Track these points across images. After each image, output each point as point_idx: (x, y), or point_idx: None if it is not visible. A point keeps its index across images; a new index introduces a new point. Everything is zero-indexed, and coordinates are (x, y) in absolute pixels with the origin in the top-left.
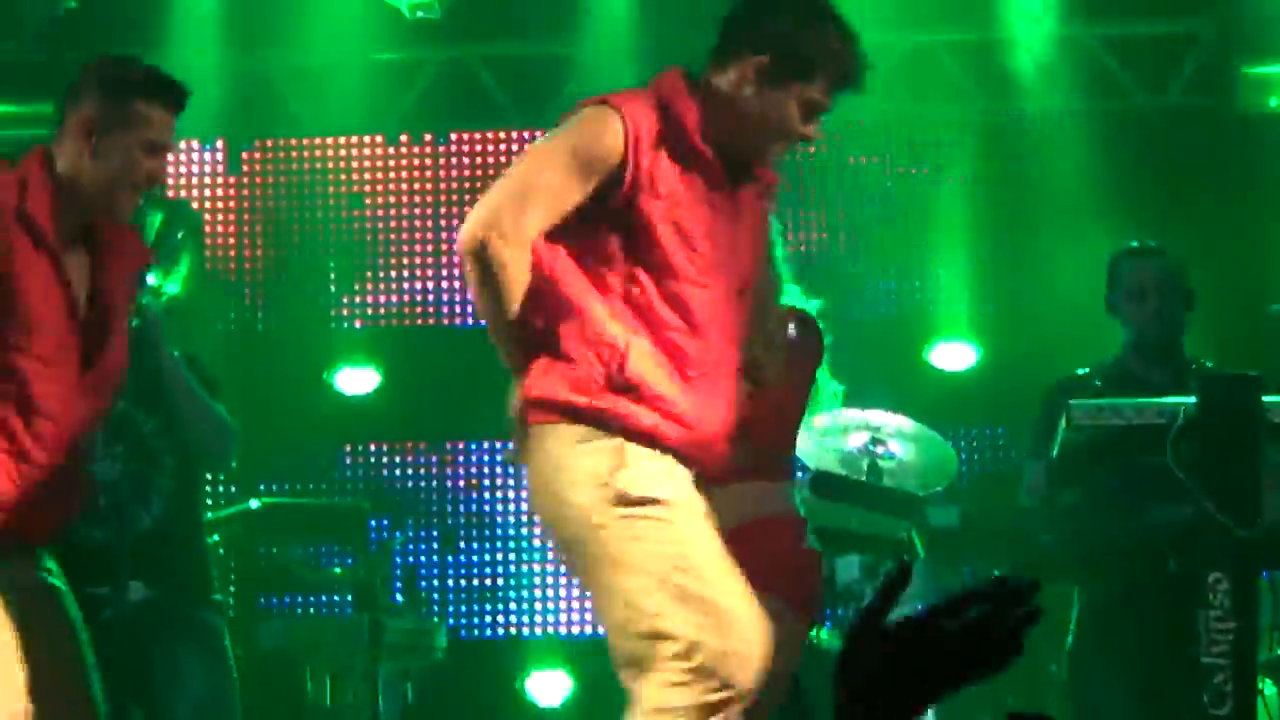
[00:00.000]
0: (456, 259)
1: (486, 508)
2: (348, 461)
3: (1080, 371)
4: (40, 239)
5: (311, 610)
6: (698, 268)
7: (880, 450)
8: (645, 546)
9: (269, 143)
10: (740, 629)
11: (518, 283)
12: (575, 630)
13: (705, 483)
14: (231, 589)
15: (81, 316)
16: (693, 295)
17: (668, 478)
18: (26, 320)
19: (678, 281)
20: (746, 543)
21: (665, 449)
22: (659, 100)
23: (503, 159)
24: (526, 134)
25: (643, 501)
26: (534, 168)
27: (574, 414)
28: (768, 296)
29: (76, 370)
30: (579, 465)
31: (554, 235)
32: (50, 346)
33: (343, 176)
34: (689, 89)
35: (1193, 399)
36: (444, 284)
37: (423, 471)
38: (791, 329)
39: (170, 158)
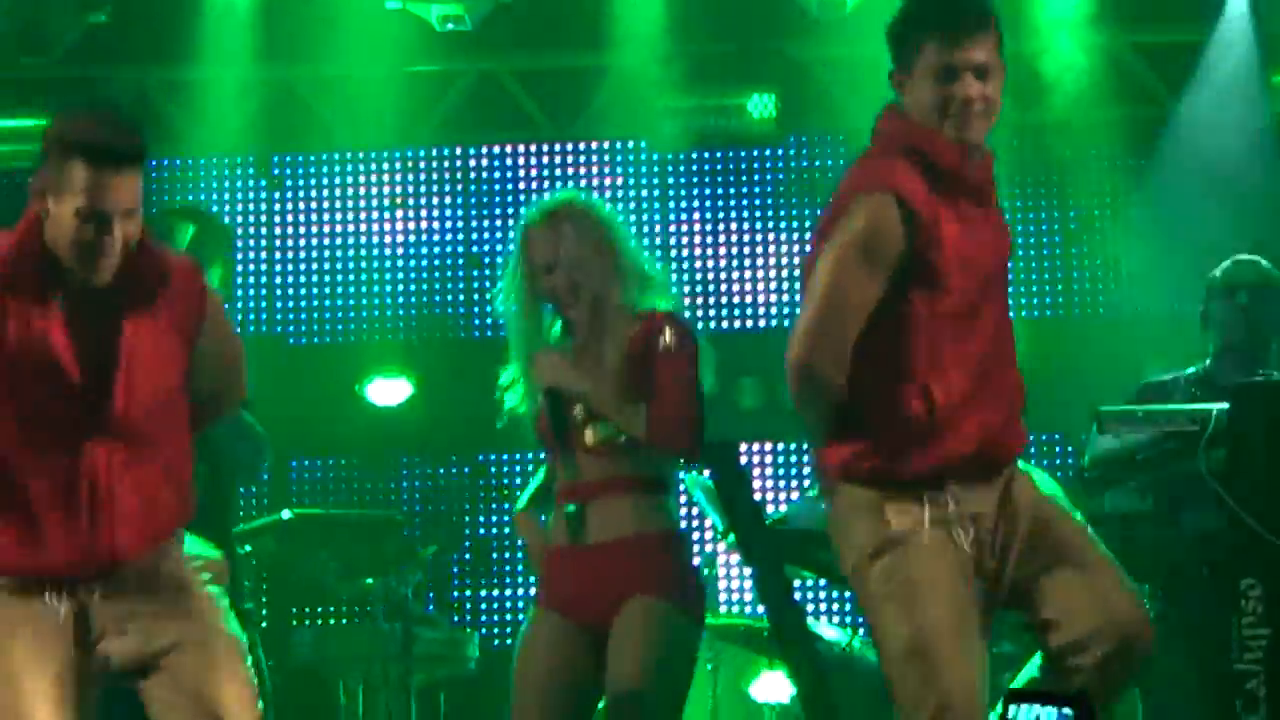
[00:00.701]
0: (489, 273)
1: None
2: (379, 473)
3: (1165, 376)
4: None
5: (344, 621)
6: (975, 291)
7: None
8: None
9: (300, 155)
10: None
11: (840, 396)
12: None
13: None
14: (264, 600)
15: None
16: (977, 322)
17: None
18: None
19: (964, 318)
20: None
21: None
22: (907, 149)
23: (533, 170)
24: (557, 146)
25: None
26: (837, 283)
27: None
28: None
29: (73, 420)
30: None
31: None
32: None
33: (373, 189)
34: (912, 123)
35: (1225, 405)
36: (475, 295)
37: (454, 482)
38: (668, 334)
39: (203, 171)
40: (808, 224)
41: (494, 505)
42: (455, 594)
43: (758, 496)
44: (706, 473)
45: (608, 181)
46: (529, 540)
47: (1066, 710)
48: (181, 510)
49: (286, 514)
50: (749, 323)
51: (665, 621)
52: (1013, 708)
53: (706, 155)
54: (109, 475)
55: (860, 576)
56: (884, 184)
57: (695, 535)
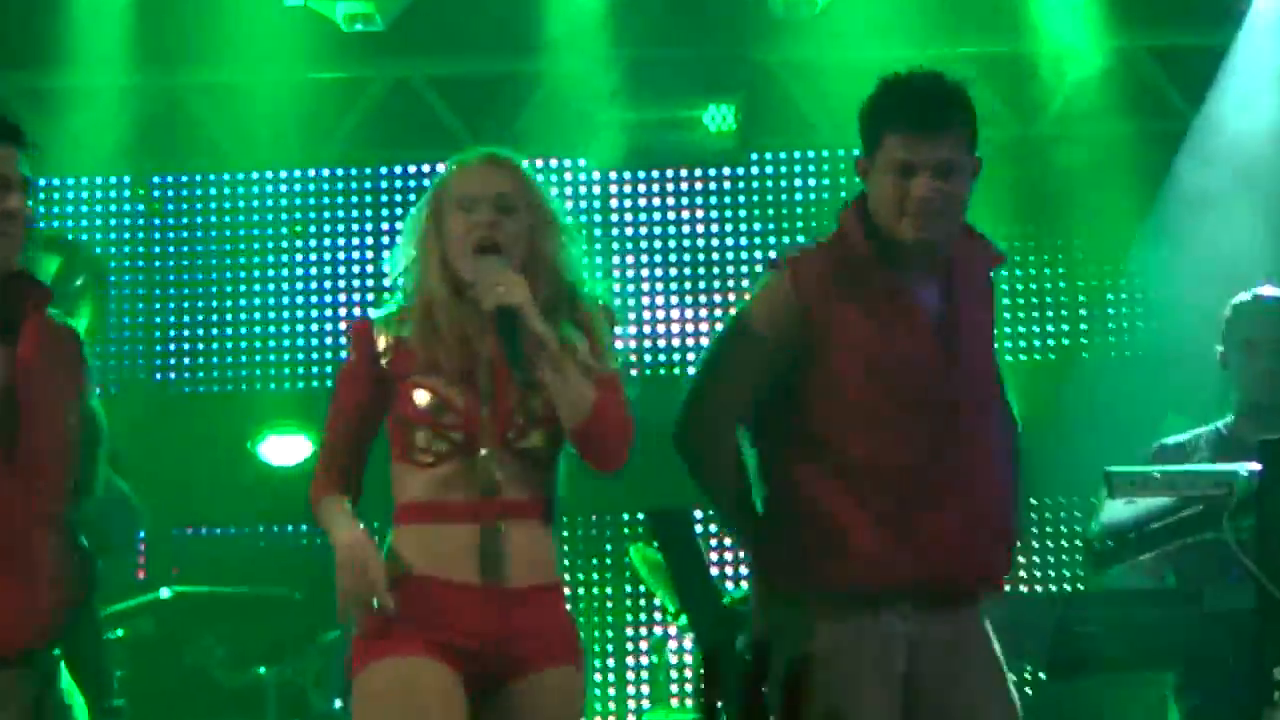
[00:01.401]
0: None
1: None
2: (275, 544)
3: (1184, 437)
4: None
5: (232, 716)
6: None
7: None
8: None
9: (185, 176)
10: None
11: (723, 478)
12: None
13: None
14: (137, 694)
15: None
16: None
17: None
18: None
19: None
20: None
21: None
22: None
23: None
24: None
25: None
26: (717, 352)
27: None
28: None
29: None
30: None
31: None
32: None
33: (269, 215)
34: (847, 213)
35: (1252, 467)
36: None
37: None
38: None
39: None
40: (771, 254)
41: None
42: None
43: (714, 571)
44: (654, 544)
45: None
46: (370, 570)
47: None
48: None
49: (165, 592)
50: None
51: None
52: None
53: (655, 175)
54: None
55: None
56: (786, 263)
57: (641, 616)
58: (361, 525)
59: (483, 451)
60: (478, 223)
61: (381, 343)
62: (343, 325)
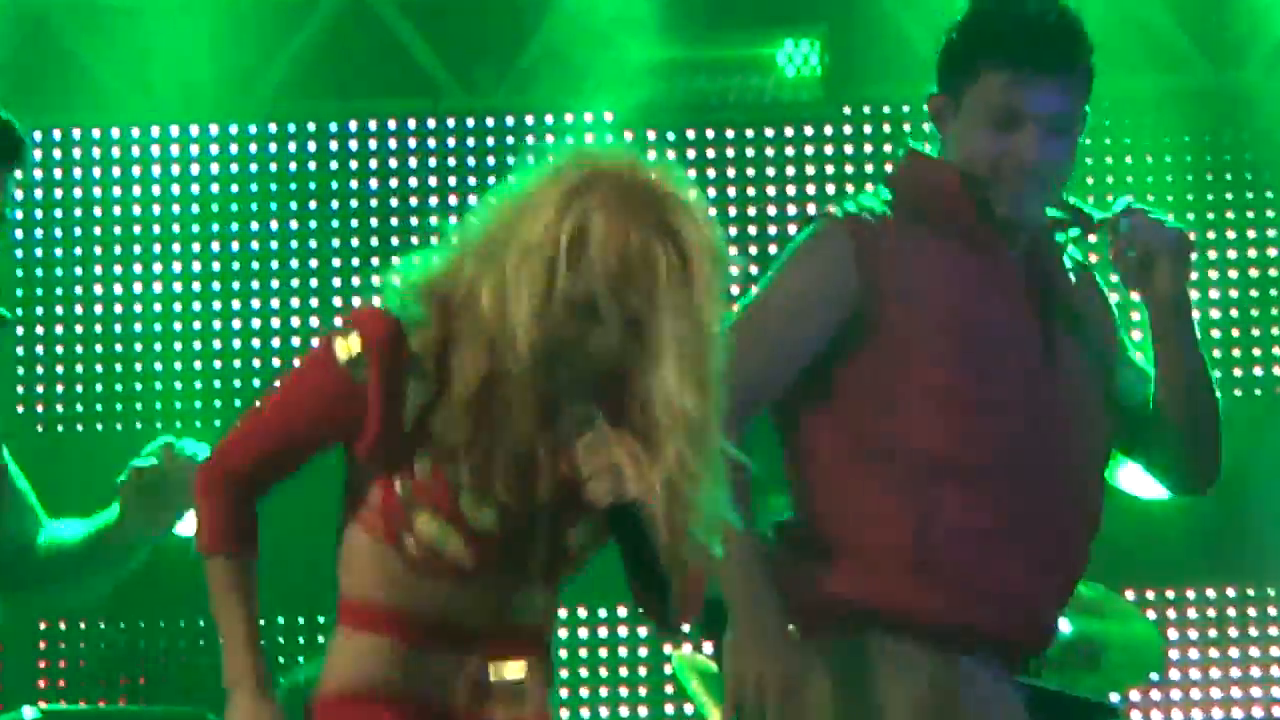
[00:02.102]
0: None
1: None
2: (181, 642)
3: None
4: None
5: None
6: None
7: None
8: None
9: (59, 132)
10: None
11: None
12: None
13: None
14: None
15: None
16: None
17: None
18: None
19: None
20: None
21: None
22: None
23: (432, 159)
24: (469, 121)
25: None
26: None
27: None
28: None
29: None
30: None
31: None
32: None
33: (177, 184)
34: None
35: None
36: None
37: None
38: None
39: None
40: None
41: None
42: None
43: None
44: (705, 649)
45: None
46: None
47: None
48: None
49: (29, 713)
50: None
51: None
52: None
53: (709, 136)
54: None
55: None
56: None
57: None
58: (262, 672)
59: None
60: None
61: (410, 386)
62: (271, 340)
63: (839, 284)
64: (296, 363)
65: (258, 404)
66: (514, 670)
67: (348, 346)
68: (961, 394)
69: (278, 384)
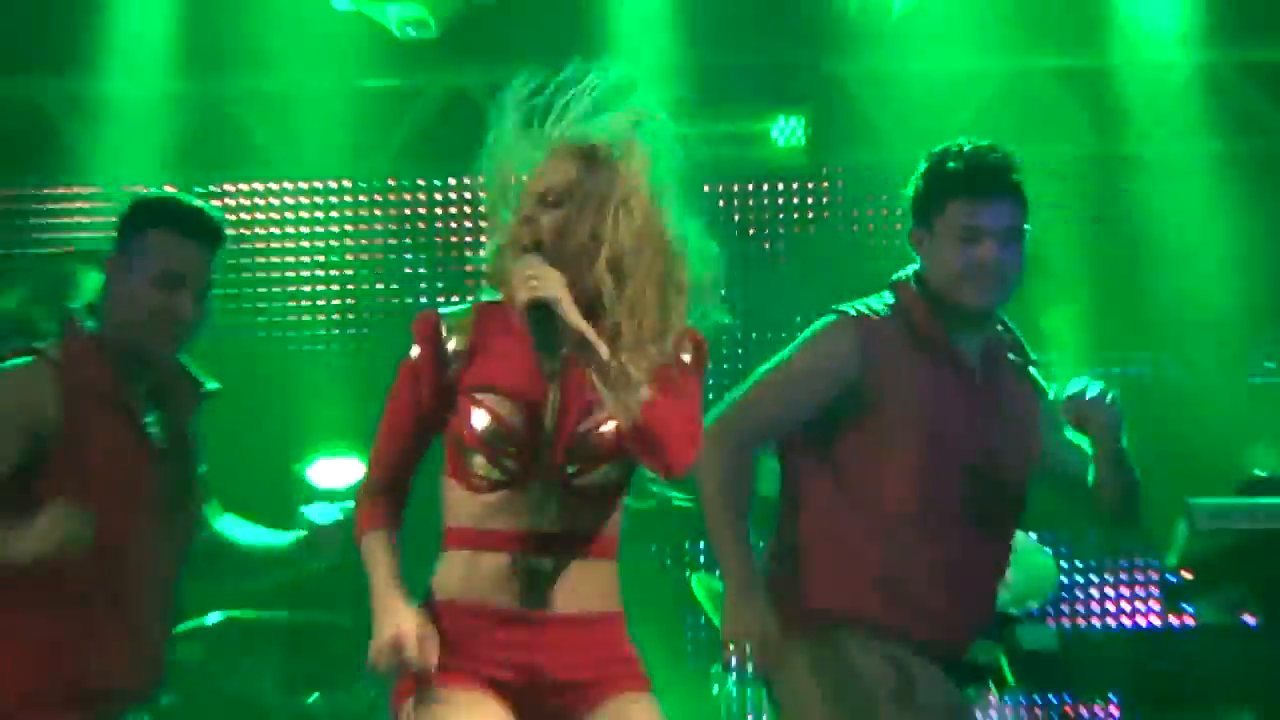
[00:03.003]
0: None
1: None
2: (322, 569)
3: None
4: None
5: None
6: None
7: None
8: None
9: (231, 187)
10: None
11: None
12: None
13: None
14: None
15: None
16: None
17: None
18: None
19: None
20: None
21: None
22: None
23: None
24: None
25: None
26: None
27: None
28: None
29: None
30: None
31: None
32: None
33: (321, 228)
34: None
35: None
36: None
37: (413, 580)
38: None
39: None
40: (840, 273)
41: None
42: None
43: None
44: (716, 573)
45: None
46: (409, 652)
47: None
48: None
49: (214, 617)
50: None
51: None
52: None
53: (720, 190)
54: None
55: None
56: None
57: (703, 648)
58: (400, 589)
59: (535, 484)
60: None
61: (451, 344)
62: (395, 341)
63: (843, 367)
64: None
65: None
66: (545, 565)
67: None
68: (924, 470)
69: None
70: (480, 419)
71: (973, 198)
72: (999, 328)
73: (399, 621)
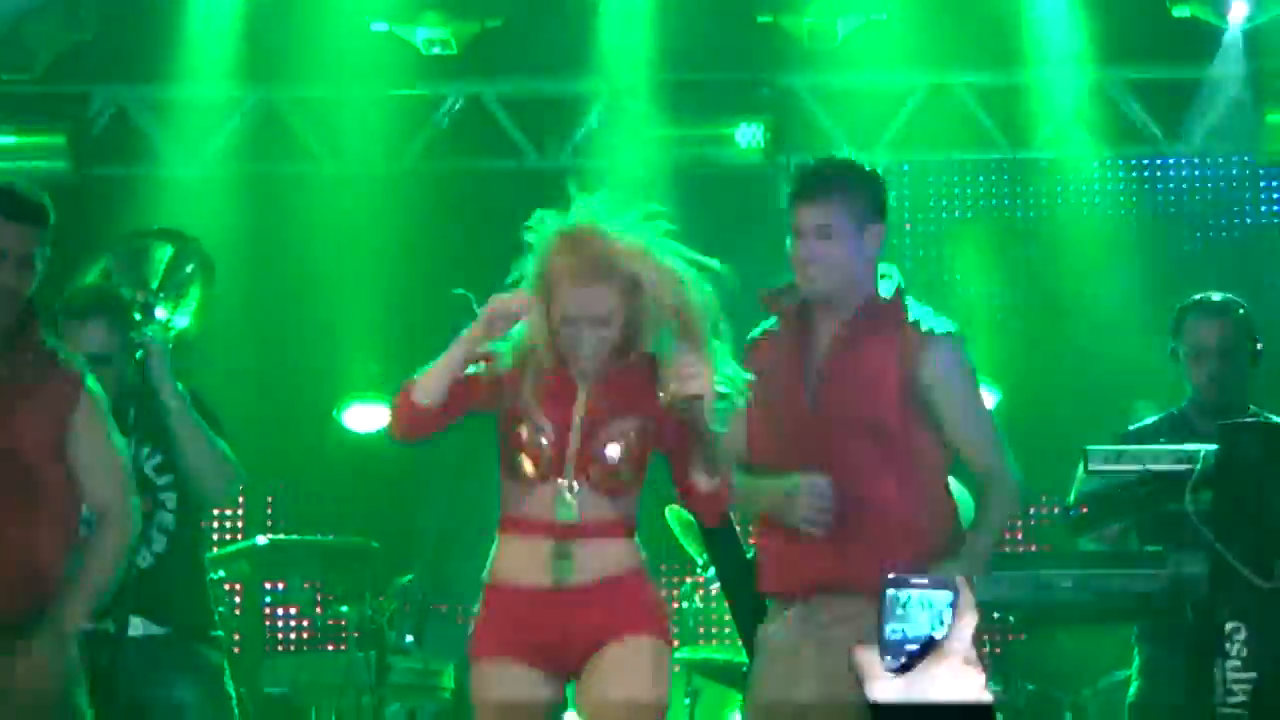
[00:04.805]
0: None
1: None
2: (356, 499)
3: (1150, 420)
4: None
5: (318, 649)
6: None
7: None
8: None
9: (281, 176)
10: None
11: None
12: None
13: None
14: (237, 626)
15: None
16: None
17: None
18: None
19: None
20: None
21: None
22: None
23: (520, 197)
24: (541, 175)
25: None
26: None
27: None
28: None
29: None
30: None
31: None
32: None
33: (356, 212)
34: None
35: (1212, 447)
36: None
37: (432, 510)
38: None
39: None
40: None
41: (473, 534)
42: (431, 623)
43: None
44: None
45: None
46: (510, 314)
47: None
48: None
49: (261, 540)
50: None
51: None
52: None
53: (691, 186)
54: None
55: None
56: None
57: (675, 566)
58: None
59: (561, 482)
60: (576, 340)
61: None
62: (417, 311)
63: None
64: None
65: None
66: (570, 548)
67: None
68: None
69: None
70: (523, 429)
71: (793, 200)
72: (878, 311)
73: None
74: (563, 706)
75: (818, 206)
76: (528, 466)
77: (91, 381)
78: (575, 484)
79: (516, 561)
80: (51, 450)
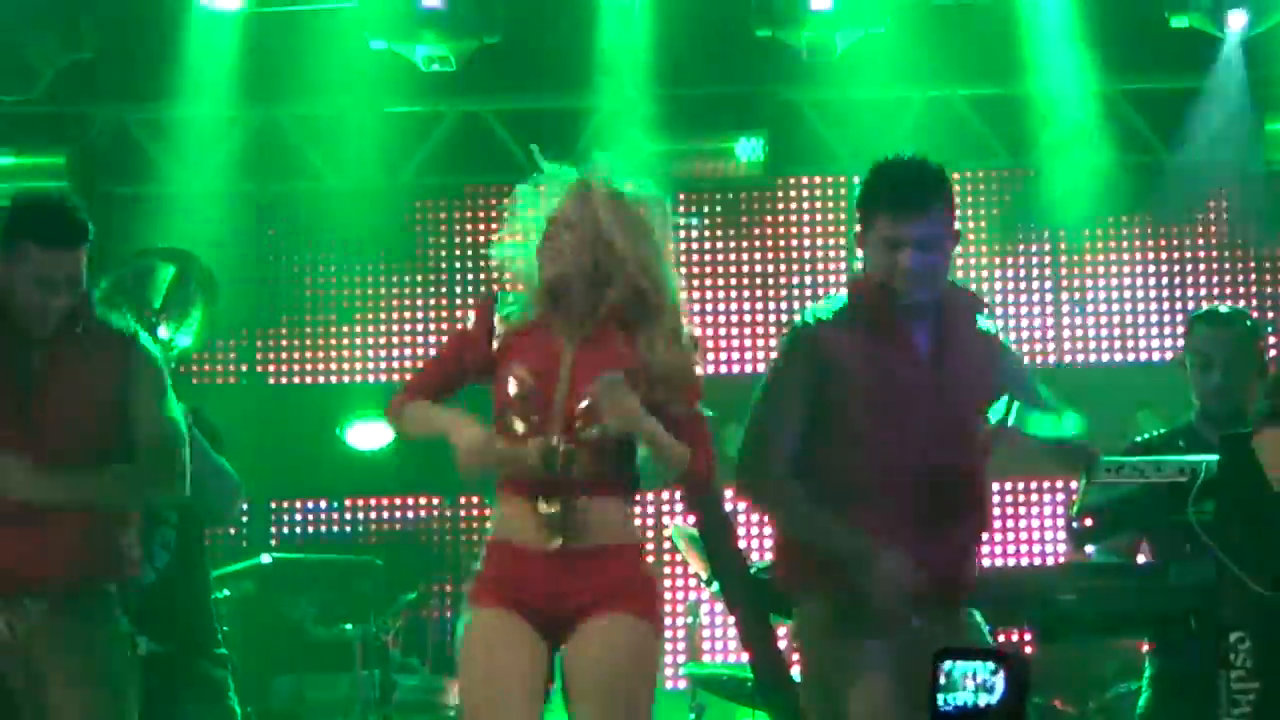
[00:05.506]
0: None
1: None
2: (360, 517)
3: (1156, 433)
4: None
5: (323, 667)
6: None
7: None
8: None
9: (283, 193)
10: None
11: None
12: None
13: None
14: (241, 645)
15: None
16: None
17: None
18: None
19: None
20: None
21: None
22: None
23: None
24: None
25: None
26: None
27: None
28: None
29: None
30: None
31: None
32: None
33: (356, 228)
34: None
35: (1214, 457)
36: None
37: (435, 527)
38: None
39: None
40: (794, 267)
41: (475, 550)
42: (435, 640)
43: (741, 544)
44: (690, 520)
45: None
46: (491, 461)
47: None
48: None
49: (265, 558)
50: (734, 368)
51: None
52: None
53: (692, 199)
54: None
55: None
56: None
57: (679, 583)
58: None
59: (552, 438)
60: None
61: (497, 324)
62: (417, 326)
63: (812, 371)
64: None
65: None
66: (551, 505)
67: (473, 318)
68: (869, 436)
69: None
70: (513, 385)
71: (894, 212)
72: (959, 300)
73: (475, 430)
74: (550, 673)
75: (924, 219)
76: (518, 424)
77: (144, 341)
78: (564, 440)
79: (513, 520)
80: (113, 413)
